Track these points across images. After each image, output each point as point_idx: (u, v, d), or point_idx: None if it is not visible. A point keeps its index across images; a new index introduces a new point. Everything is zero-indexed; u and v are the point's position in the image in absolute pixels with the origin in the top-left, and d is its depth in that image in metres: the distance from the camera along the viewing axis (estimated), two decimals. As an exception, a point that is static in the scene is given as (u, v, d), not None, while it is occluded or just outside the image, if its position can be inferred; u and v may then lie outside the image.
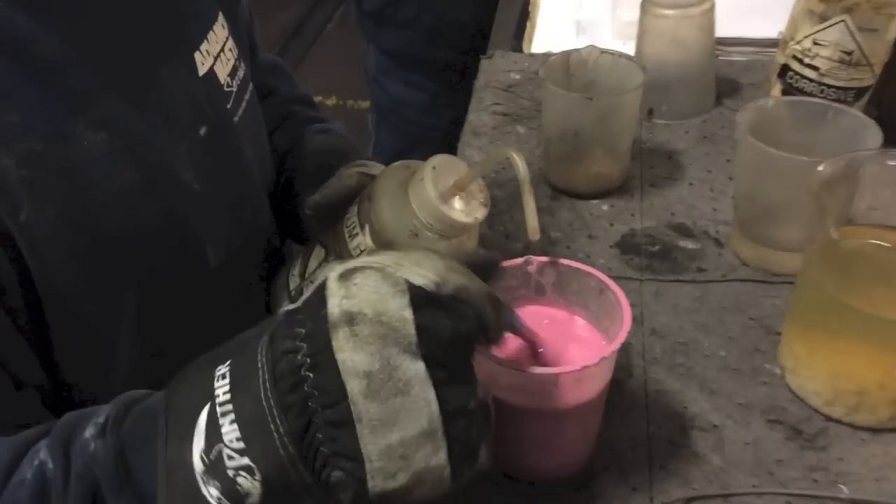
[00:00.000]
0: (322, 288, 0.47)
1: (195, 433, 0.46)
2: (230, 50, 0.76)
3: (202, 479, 0.45)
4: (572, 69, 0.92)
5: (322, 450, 0.45)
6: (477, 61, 1.18)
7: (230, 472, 0.45)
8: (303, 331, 0.45)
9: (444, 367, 0.45)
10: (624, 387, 0.72)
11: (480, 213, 0.66)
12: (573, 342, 0.63)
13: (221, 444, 0.45)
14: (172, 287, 0.68)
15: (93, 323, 0.62)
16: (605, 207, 0.92)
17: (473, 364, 0.48)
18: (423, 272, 0.46)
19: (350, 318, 0.44)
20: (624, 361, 0.74)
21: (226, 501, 0.45)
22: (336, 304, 0.45)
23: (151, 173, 0.64)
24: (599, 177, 0.93)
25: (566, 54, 0.92)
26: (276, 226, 0.83)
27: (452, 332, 0.46)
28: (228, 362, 0.47)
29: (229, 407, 0.45)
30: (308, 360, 0.45)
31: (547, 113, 0.92)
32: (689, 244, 0.86)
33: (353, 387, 0.44)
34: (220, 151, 0.72)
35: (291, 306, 0.48)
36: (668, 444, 0.67)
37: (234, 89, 0.76)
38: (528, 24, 1.28)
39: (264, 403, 0.44)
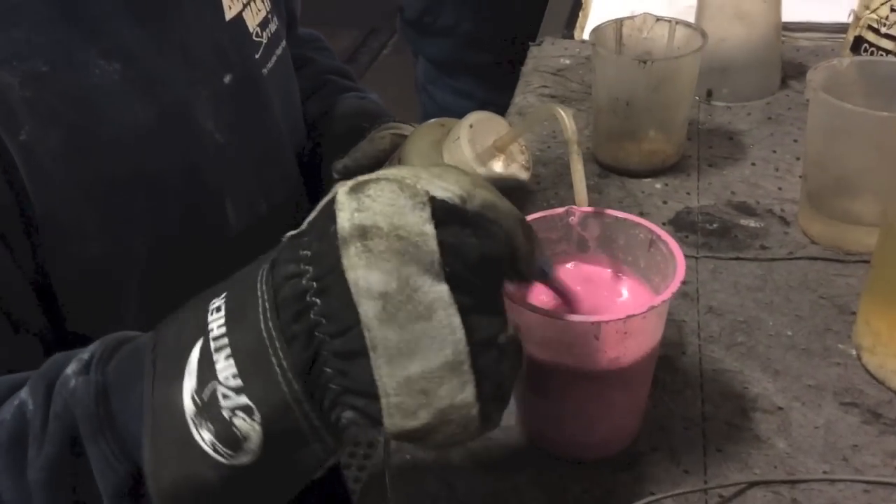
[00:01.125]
0: (330, 203, 0.41)
1: (186, 371, 0.40)
2: (262, 0, 0.72)
3: (193, 421, 0.39)
4: (625, 38, 0.86)
5: (331, 386, 0.39)
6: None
7: (225, 413, 0.39)
8: (308, 252, 0.39)
9: (470, 293, 0.39)
10: (676, 365, 0.64)
11: (522, 177, 0.60)
12: (618, 303, 0.56)
13: (216, 382, 0.39)
14: (187, 244, 0.63)
15: (98, 269, 0.58)
16: (658, 186, 0.85)
17: (503, 293, 0.42)
18: (446, 185, 0.40)
19: (363, 233, 0.38)
20: (676, 338, 0.66)
21: (220, 446, 0.39)
22: (347, 217, 0.39)
23: (168, 114, 0.60)
24: (652, 154, 0.86)
25: (618, 21, 0.86)
26: (308, 201, 0.78)
27: (480, 252, 0.39)
28: (224, 295, 0.41)
29: (224, 341, 0.39)
30: (314, 283, 0.39)
31: (597, 81, 0.85)
32: (752, 222, 0.78)
33: (367, 309, 0.37)
34: (245, 103, 0.68)
35: (294, 231, 0.42)
36: (725, 425, 0.59)
37: (264, 41, 0.72)
38: (581, 14, 1.22)
39: (264, 335, 0.38)
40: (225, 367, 0.39)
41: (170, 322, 0.43)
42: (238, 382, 0.39)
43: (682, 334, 0.67)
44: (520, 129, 0.60)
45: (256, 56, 0.70)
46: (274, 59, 0.73)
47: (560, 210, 0.58)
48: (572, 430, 0.56)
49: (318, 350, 0.38)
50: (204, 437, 0.39)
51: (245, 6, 0.69)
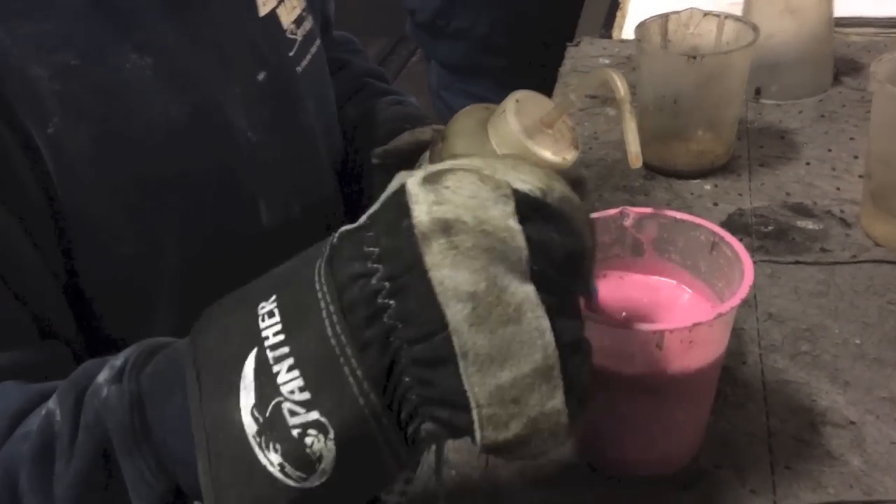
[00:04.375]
0: (397, 195, 0.37)
1: (241, 386, 0.36)
2: None
3: (257, 442, 0.35)
4: (670, 34, 0.82)
5: (410, 396, 0.35)
6: (543, 69, 1.10)
7: (295, 432, 0.35)
8: (376, 249, 0.36)
9: (554, 293, 0.36)
10: (736, 376, 0.60)
11: (570, 155, 0.57)
12: (679, 310, 0.52)
13: (280, 398, 0.35)
14: (220, 245, 0.61)
15: (129, 271, 0.56)
16: (707, 187, 0.81)
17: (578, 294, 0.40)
18: (525, 177, 0.37)
19: (446, 227, 0.35)
20: (735, 347, 0.62)
21: (290, 468, 0.35)
22: (425, 210, 0.35)
23: (200, 111, 0.58)
24: (701, 154, 0.82)
25: (664, 17, 0.82)
26: (344, 207, 0.76)
27: (564, 249, 0.37)
28: (273, 297, 0.37)
29: (285, 350, 0.35)
30: (387, 283, 0.35)
31: (642, 79, 0.82)
32: (810, 224, 0.74)
33: (456, 312, 0.34)
34: (279, 101, 0.66)
35: (349, 227, 0.38)
36: (793, 441, 0.55)
37: (299, 38, 0.70)
38: (619, 13, 1.19)
39: (333, 342, 0.35)
40: (288, 378, 0.35)
41: (210, 327, 0.39)
42: (306, 396, 0.35)
43: (741, 343, 0.63)
44: (569, 101, 0.57)
45: (290, 53, 0.68)
46: (308, 57, 0.70)
47: (613, 211, 0.54)
48: (631, 445, 0.52)
49: (395, 357, 0.35)
50: (271, 459, 0.35)
51: (279, 2, 0.67)
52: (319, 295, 0.36)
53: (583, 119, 0.94)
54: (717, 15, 0.81)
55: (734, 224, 0.75)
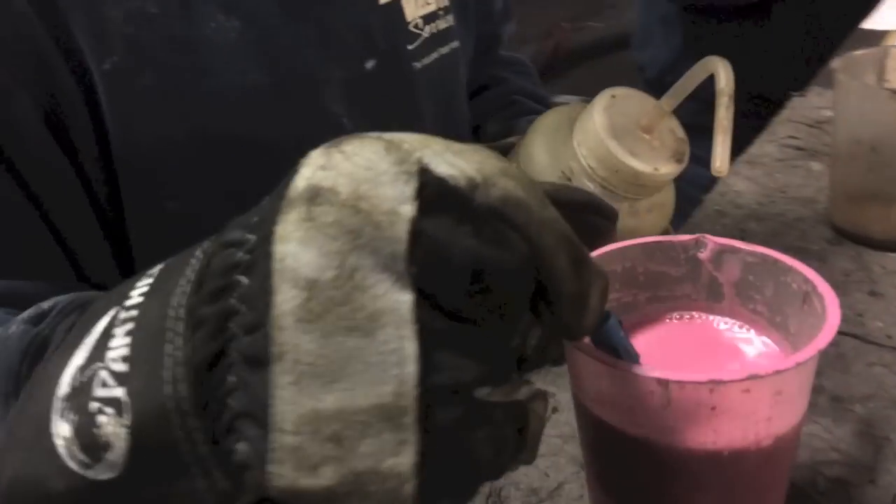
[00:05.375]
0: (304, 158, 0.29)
1: (83, 343, 0.29)
2: None
3: (60, 406, 0.28)
4: (889, 71, 0.66)
5: (231, 402, 0.26)
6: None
7: (93, 406, 0.27)
8: (256, 218, 0.29)
9: (448, 316, 0.26)
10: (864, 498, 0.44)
11: (666, 167, 0.46)
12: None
13: (101, 363, 0.28)
14: None
15: (169, 226, 0.53)
16: (907, 263, 0.64)
17: (513, 332, 0.29)
18: (457, 161, 0.27)
19: (314, 195, 0.26)
20: (870, 460, 0.46)
21: (76, 449, 0.27)
22: (307, 175, 0.27)
23: (284, 82, 0.55)
24: (907, 221, 0.65)
25: (882, 50, 0.67)
26: None
27: (474, 259, 0.26)
28: (168, 259, 0.31)
29: (134, 313, 0.29)
30: (249, 256, 0.27)
31: (837, 120, 0.66)
32: None
33: (285, 300, 0.25)
34: (387, 93, 0.61)
35: None
36: None
37: (425, 34, 0.65)
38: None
39: (171, 312, 0.27)
40: (118, 344, 0.28)
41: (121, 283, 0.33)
42: (123, 368, 0.28)
43: (879, 459, 0.46)
44: (672, 99, 0.46)
45: (409, 47, 0.63)
46: (434, 56, 0.65)
47: (687, 238, 0.42)
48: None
49: (225, 347, 0.27)
50: (61, 430, 0.28)
51: None
52: (194, 259, 0.29)
53: (778, 169, 0.80)
54: (953, 50, 0.64)
55: (926, 310, 0.58)
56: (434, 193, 0.26)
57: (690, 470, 0.36)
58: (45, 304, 0.39)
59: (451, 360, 0.26)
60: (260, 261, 0.26)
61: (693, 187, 1.32)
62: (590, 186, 0.47)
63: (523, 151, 0.50)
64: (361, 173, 0.27)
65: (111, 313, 0.29)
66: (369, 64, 0.60)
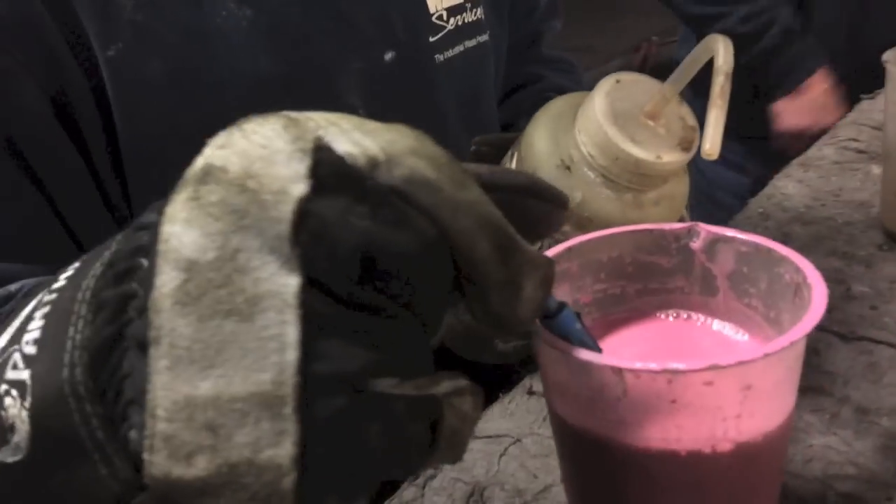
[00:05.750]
0: None
1: (10, 326, 0.29)
2: None
3: None
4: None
5: (125, 388, 0.26)
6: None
7: (2, 388, 0.27)
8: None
9: (338, 302, 0.25)
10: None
11: (670, 156, 0.43)
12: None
13: (17, 346, 0.28)
14: None
15: None
16: (963, 270, 0.58)
17: (416, 322, 0.27)
18: (362, 139, 0.26)
19: (205, 174, 0.26)
20: (889, 477, 0.42)
21: None
22: (207, 154, 0.26)
23: (297, 72, 0.55)
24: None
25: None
26: None
27: (367, 242, 0.25)
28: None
29: (53, 297, 0.29)
30: (149, 238, 0.27)
31: (888, 114, 0.62)
32: None
33: (164, 281, 0.24)
34: (405, 86, 0.60)
35: None
36: None
37: (449, 27, 0.64)
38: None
39: (80, 295, 0.27)
40: (34, 327, 0.28)
41: None
42: (33, 350, 0.27)
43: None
44: (675, 83, 0.43)
45: (432, 39, 0.62)
46: (459, 49, 0.64)
47: (680, 226, 0.39)
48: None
49: (122, 330, 0.26)
50: None
51: None
52: (114, 243, 0.29)
53: (834, 172, 0.75)
54: None
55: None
56: (329, 173, 0.25)
57: (654, 470, 0.33)
58: (13, 287, 0.39)
59: (338, 348, 0.24)
60: (153, 242, 0.25)
61: (729, 195, 1.27)
62: (591, 176, 0.45)
63: (525, 139, 0.48)
64: (256, 151, 0.25)
65: (39, 297, 0.29)
66: (388, 55, 0.59)
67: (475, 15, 0.66)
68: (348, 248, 0.24)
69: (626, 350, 0.39)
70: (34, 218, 0.49)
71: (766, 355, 0.29)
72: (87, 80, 0.49)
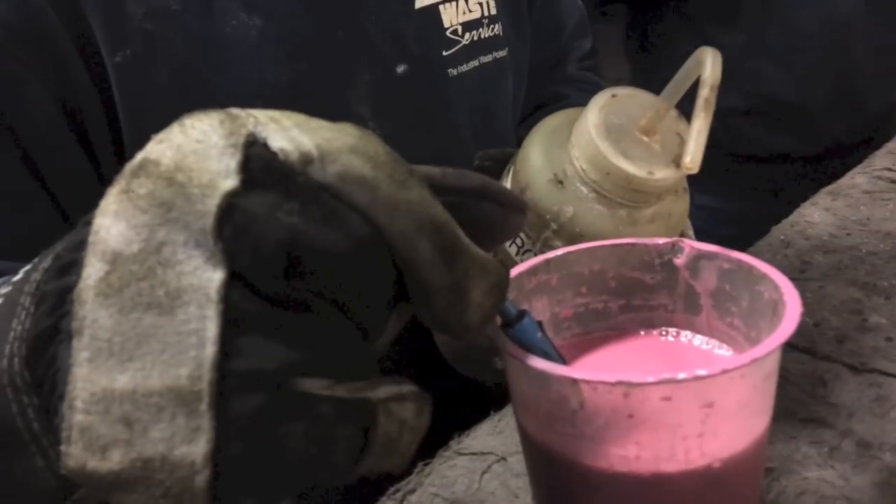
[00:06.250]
0: None
1: None
2: (480, 4, 0.65)
3: None
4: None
5: (58, 380, 0.26)
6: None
7: None
8: None
9: (263, 300, 0.24)
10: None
11: (663, 172, 0.42)
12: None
13: None
14: None
15: None
16: None
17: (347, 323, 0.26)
18: (300, 136, 0.26)
19: (140, 167, 0.26)
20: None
21: None
22: (146, 149, 0.27)
23: (306, 83, 0.55)
24: None
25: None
26: None
27: (293, 239, 0.24)
28: None
29: (8, 289, 0.29)
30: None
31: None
32: None
33: (90, 272, 0.25)
34: (417, 99, 0.61)
35: None
36: None
37: (464, 41, 0.64)
38: None
39: (27, 287, 0.27)
40: None
41: None
42: None
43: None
44: (669, 98, 0.42)
45: (445, 53, 0.62)
46: (473, 64, 0.64)
47: (663, 241, 0.38)
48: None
49: (58, 323, 0.26)
50: None
51: (446, 0, 0.62)
52: (66, 237, 0.29)
53: (864, 202, 0.72)
54: None
55: None
56: (260, 168, 0.25)
57: (615, 490, 0.32)
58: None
59: (258, 345, 0.24)
60: (88, 234, 0.26)
61: (725, 224, 1.21)
62: (583, 191, 0.44)
63: (521, 153, 0.48)
64: (192, 145, 0.25)
65: (10, 282, 0.29)
66: (400, 68, 0.59)
67: (492, 31, 0.66)
68: (273, 243, 0.24)
69: (606, 369, 0.38)
70: (42, 221, 0.50)
71: (725, 371, 0.28)
72: (94, 85, 0.50)
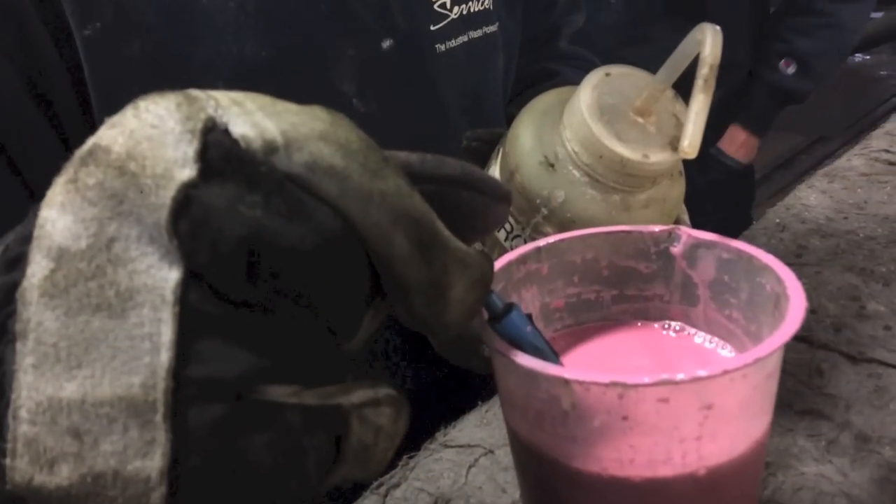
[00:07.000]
0: None
1: None
2: None
3: None
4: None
5: (4, 388, 0.23)
6: None
7: None
8: None
9: (225, 300, 0.22)
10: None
11: (658, 155, 0.40)
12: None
13: None
14: None
15: None
16: None
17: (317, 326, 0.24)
18: (264, 121, 0.24)
19: (89, 155, 0.23)
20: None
21: None
22: (97, 134, 0.24)
23: (286, 58, 0.53)
24: None
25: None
26: None
27: (254, 233, 0.22)
28: None
29: None
30: None
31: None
32: None
33: (34, 270, 0.22)
34: (404, 75, 0.58)
35: None
36: None
37: (453, 16, 0.61)
38: None
39: None
40: None
41: None
42: None
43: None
44: (665, 78, 0.40)
45: (433, 28, 0.60)
46: (462, 39, 0.62)
47: (659, 228, 0.37)
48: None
49: (4, 322, 0.24)
50: None
51: None
52: (17, 228, 0.27)
53: (861, 183, 0.71)
54: None
55: None
56: (219, 156, 0.23)
57: (607, 495, 0.30)
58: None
59: (218, 350, 0.22)
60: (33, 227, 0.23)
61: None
62: (575, 175, 0.42)
63: (510, 134, 0.46)
64: (146, 131, 0.23)
65: None
66: (386, 43, 0.57)
67: (482, 4, 0.63)
68: (233, 240, 0.22)
69: (598, 363, 0.36)
70: (8, 200, 0.48)
71: (726, 372, 0.27)
72: (64, 61, 0.48)
